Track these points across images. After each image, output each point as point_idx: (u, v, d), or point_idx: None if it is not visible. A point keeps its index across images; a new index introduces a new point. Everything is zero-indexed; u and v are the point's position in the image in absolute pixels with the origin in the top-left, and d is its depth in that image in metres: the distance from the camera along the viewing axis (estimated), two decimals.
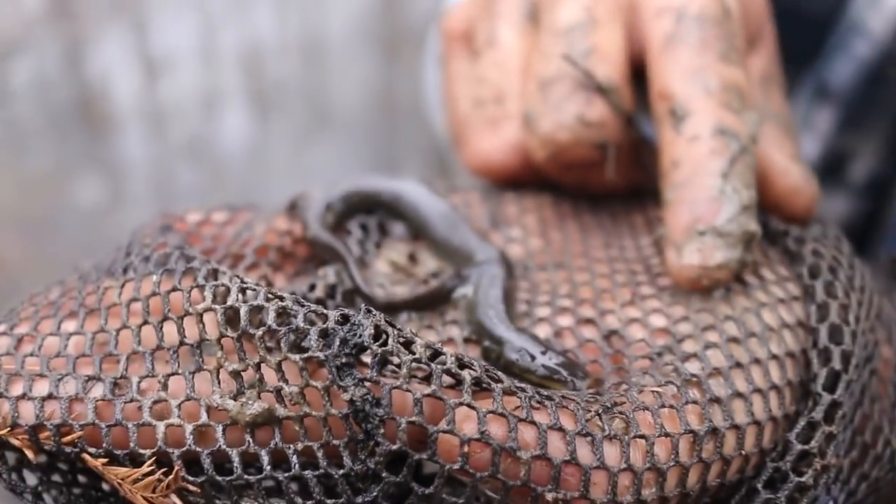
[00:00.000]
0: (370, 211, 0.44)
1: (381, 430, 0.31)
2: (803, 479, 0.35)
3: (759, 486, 0.35)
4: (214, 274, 0.34)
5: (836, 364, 0.35)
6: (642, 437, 0.32)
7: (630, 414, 0.33)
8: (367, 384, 0.31)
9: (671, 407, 0.33)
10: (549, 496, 0.31)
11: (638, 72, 0.50)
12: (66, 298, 0.37)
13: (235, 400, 0.33)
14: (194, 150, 3.50)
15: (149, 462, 0.33)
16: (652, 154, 0.49)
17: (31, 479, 0.35)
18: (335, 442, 0.32)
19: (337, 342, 0.32)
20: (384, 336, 0.32)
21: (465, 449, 0.31)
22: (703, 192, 0.41)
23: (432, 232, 0.42)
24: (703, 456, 0.33)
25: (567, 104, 0.45)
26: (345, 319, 0.32)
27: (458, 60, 0.55)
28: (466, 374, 0.32)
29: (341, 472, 0.32)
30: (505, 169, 0.50)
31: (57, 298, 0.37)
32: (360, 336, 0.32)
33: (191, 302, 0.34)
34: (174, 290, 0.35)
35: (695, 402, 0.34)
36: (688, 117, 0.43)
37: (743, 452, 0.35)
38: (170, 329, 0.34)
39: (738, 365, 0.35)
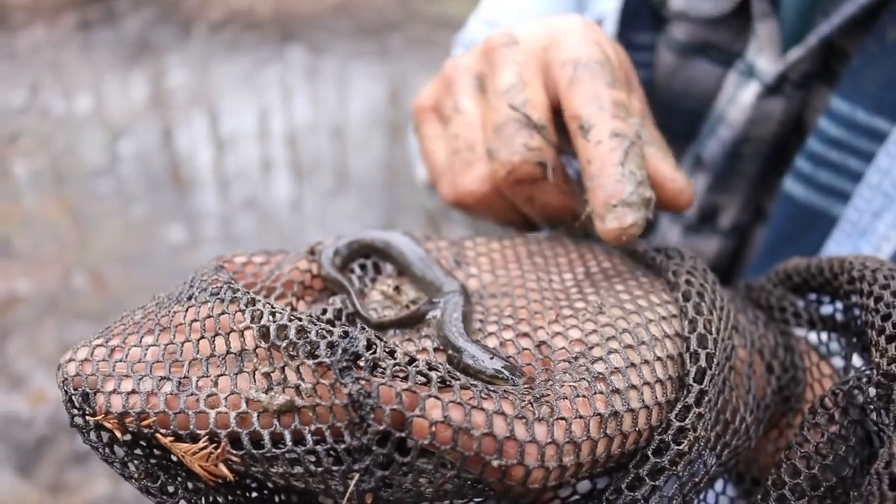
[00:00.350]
0: (367, 255, 0.44)
1: (372, 416, 0.31)
2: (681, 447, 0.35)
3: (650, 453, 0.35)
4: (252, 302, 0.34)
5: (703, 363, 0.35)
6: (563, 419, 0.32)
7: (553, 402, 0.33)
8: (362, 382, 0.31)
9: (584, 396, 0.33)
10: (495, 463, 0.31)
11: (557, 111, 0.52)
12: (146, 319, 0.37)
13: (266, 394, 0.32)
14: (251, 204, 3.49)
15: (204, 439, 0.33)
16: (575, 185, 0.51)
17: (120, 452, 0.35)
18: (338, 424, 0.32)
19: (339, 351, 0.32)
20: (374, 347, 0.32)
21: (433, 429, 0.31)
22: (610, 178, 0.43)
23: (412, 270, 0.42)
24: (607, 432, 0.33)
25: (515, 138, 0.46)
26: (345, 334, 0.32)
27: (431, 125, 0.55)
28: (434, 375, 0.32)
29: (343, 446, 0.32)
30: (480, 195, 0.50)
31: (139, 319, 0.37)
32: (357, 347, 0.32)
33: (235, 322, 0.34)
34: (223, 313, 0.35)
35: (601, 393, 0.34)
36: (591, 128, 0.44)
37: (637, 429, 0.35)
38: (220, 342, 0.34)
39: (633, 365, 0.35)
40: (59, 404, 2.54)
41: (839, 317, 0.40)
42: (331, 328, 0.33)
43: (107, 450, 0.35)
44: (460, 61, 0.53)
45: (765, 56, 0.55)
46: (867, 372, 0.35)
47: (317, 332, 0.32)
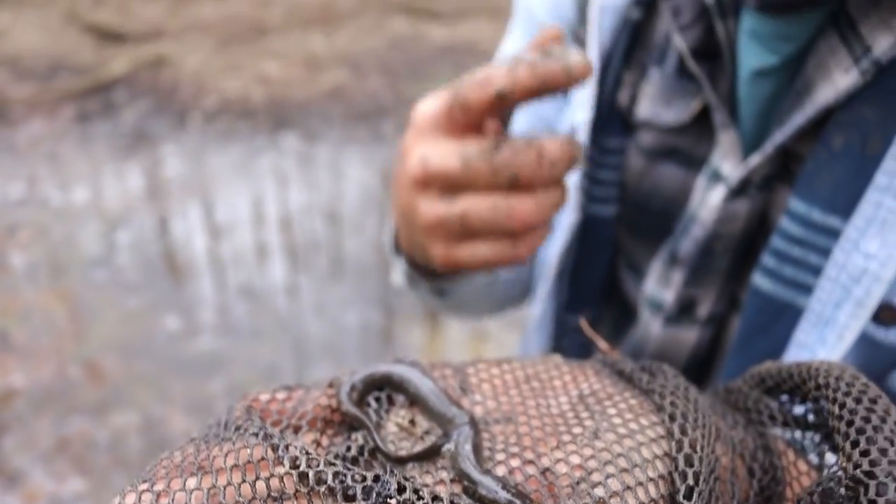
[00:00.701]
0: (381, 388, 0.47)
1: None
2: None
3: None
4: (287, 448, 0.37)
5: (690, 481, 0.38)
6: None
7: None
8: None
9: None
10: None
11: None
12: (186, 462, 0.39)
13: None
14: (247, 291, 3.51)
15: None
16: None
17: None
18: None
19: (374, 494, 0.35)
20: (404, 489, 0.35)
21: None
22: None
23: (424, 402, 0.45)
24: None
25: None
26: (377, 479, 0.35)
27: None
28: None
29: None
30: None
31: (179, 462, 0.39)
32: (388, 489, 0.35)
33: (273, 467, 0.37)
34: (262, 459, 0.37)
35: None
36: None
37: None
38: (260, 486, 0.36)
39: (629, 488, 0.37)
40: (54, 500, 2.51)
41: (811, 417, 0.42)
42: (364, 473, 0.36)
43: None
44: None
45: (728, 162, 0.59)
46: (838, 473, 0.37)
47: (352, 476, 0.35)
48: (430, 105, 0.61)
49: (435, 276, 0.69)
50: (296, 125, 5.66)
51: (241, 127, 5.58)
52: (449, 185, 0.55)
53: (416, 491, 0.35)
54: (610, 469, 0.37)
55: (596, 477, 0.37)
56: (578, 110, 0.67)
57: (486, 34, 9.49)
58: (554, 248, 0.73)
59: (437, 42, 9.04)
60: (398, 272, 0.74)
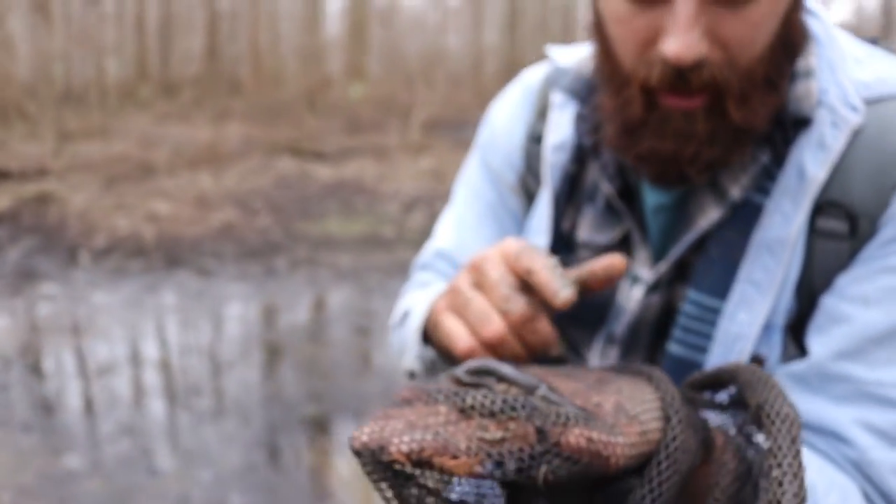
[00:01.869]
0: (486, 374, 0.57)
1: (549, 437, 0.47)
2: (669, 444, 0.53)
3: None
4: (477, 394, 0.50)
5: (674, 411, 0.54)
6: (622, 434, 0.50)
7: (620, 428, 0.51)
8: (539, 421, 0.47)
9: (630, 425, 0.51)
10: (605, 454, 0.48)
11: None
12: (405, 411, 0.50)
13: (489, 433, 0.46)
14: (128, 431, 3.48)
15: (463, 457, 0.46)
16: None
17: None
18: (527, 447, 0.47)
19: (527, 408, 0.48)
20: (544, 402, 0.49)
21: (578, 443, 0.47)
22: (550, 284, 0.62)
23: (512, 381, 0.55)
24: (641, 442, 0.51)
25: (518, 299, 0.64)
26: (524, 404, 0.48)
27: (446, 316, 0.70)
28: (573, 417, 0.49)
29: (529, 452, 0.46)
30: (498, 338, 0.66)
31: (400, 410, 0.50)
32: (533, 405, 0.48)
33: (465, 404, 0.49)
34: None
35: (638, 423, 0.52)
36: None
37: (649, 441, 0.53)
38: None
39: (646, 410, 0.53)
40: None
41: (726, 400, 0.59)
42: (515, 400, 0.49)
43: (394, 483, 0.48)
44: (458, 279, 0.71)
45: (644, 269, 0.81)
46: (748, 417, 0.56)
47: (504, 402, 0.49)
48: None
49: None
50: (188, 263, 5.73)
51: (131, 265, 5.60)
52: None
53: (553, 402, 0.49)
54: (632, 403, 0.54)
55: (626, 405, 0.53)
56: (537, 236, 0.88)
57: (370, 172, 9.94)
58: None
59: (323, 180, 9.37)
60: (413, 361, 0.86)
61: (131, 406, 3.57)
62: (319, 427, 3.37)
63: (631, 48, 0.70)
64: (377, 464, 0.48)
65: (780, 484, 0.52)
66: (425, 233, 6.95)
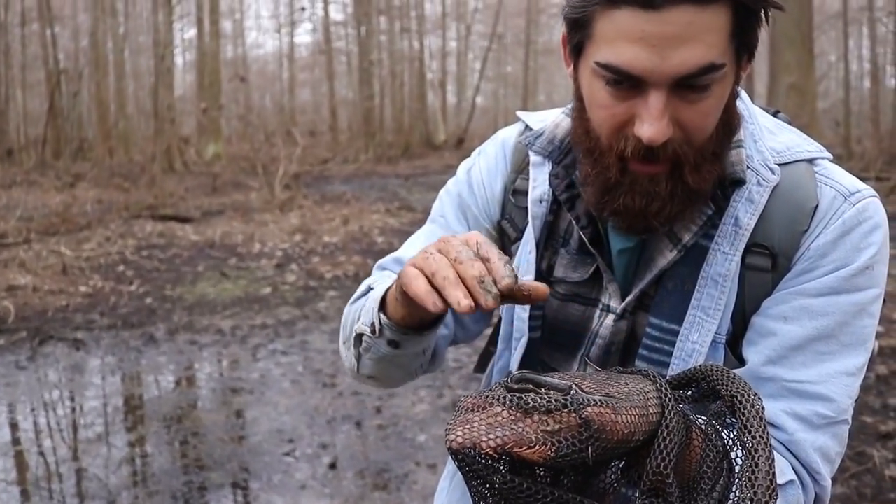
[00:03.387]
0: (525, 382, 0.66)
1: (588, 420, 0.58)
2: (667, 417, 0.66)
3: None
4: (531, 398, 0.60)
5: (668, 401, 0.66)
6: (628, 412, 0.62)
7: (627, 408, 0.62)
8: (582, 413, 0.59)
9: (635, 405, 0.64)
10: (619, 427, 0.60)
11: None
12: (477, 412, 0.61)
13: (544, 428, 0.58)
14: None
15: (534, 448, 0.58)
16: None
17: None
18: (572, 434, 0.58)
19: (571, 403, 0.59)
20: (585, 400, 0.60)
21: (602, 418, 0.59)
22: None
23: (547, 385, 0.64)
24: (642, 422, 0.63)
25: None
26: (565, 403, 0.60)
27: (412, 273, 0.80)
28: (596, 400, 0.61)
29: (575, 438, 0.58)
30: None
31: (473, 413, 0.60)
32: (577, 399, 0.59)
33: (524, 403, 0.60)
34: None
35: (639, 407, 0.63)
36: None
37: (649, 421, 0.64)
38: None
39: (649, 399, 0.64)
40: None
41: (693, 395, 0.74)
42: (563, 400, 0.60)
43: (484, 473, 0.58)
44: (427, 246, 0.81)
45: (613, 301, 0.98)
46: (722, 408, 0.70)
47: (556, 401, 0.60)
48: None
49: (402, 331, 0.93)
50: (59, 336, 5.51)
51: None
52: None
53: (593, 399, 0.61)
54: (637, 391, 0.66)
55: (633, 393, 0.65)
56: (525, 276, 1.02)
57: (238, 232, 9.84)
58: (515, 355, 1.05)
59: (189, 243, 9.19)
60: (366, 325, 0.96)
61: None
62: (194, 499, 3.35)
63: (609, 126, 0.87)
64: (470, 458, 0.59)
65: (755, 451, 0.67)
66: (303, 290, 7.01)
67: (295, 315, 6.05)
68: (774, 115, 1.06)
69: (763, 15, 0.84)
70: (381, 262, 1.17)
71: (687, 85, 0.82)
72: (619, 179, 0.89)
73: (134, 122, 27.30)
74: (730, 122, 0.91)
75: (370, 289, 1.03)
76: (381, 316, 0.93)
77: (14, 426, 4.05)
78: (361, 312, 0.99)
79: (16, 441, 3.87)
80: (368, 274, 1.17)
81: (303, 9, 31.13)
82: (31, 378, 4.71)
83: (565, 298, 1.03)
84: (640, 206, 0.88)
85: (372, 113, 25.10)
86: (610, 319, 0.99)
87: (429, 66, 30.89)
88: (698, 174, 0.87)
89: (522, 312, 1.04)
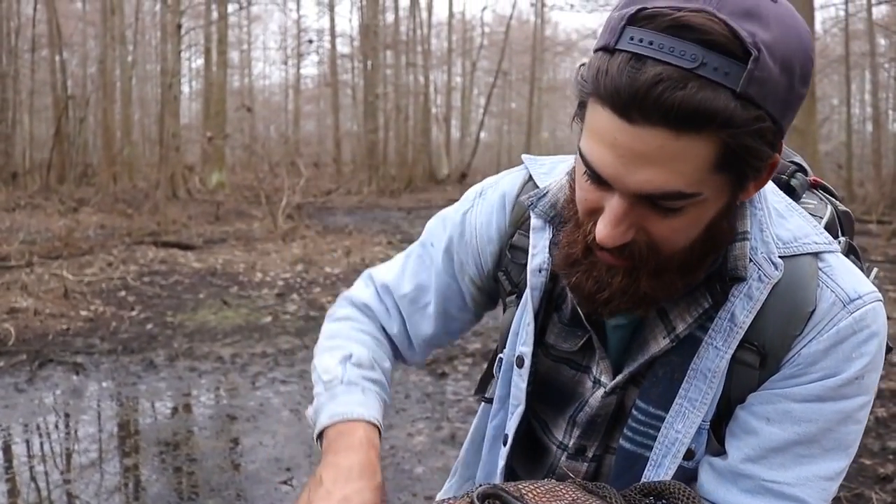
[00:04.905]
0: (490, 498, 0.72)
1: None
2: None
3: None
4: None
5: None
6: None
7: None
8: None
9: None
10: None
11: None
12: None
13: None
14: None
15: None
16: None
17: None
18: None
19: None
20: None
21: None
22: None
23: None
24: None
25: None
26: None
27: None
28: None
29: None
30: None
31: None
32: None
33: None
34: None
35: None
36: None
37: None
38: None
39: None
40: None
41: None
42: None
43: None
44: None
45: (605, 376, 0.99)
46: None
47: None
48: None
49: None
50: (59, 360, 5.53)
51: None
52: None
53: None
54: None
55: None
56: (523, 347, 1.04)
57: (239, 261, 9.88)
58: (512, 421, 1.06)
59: (191, 270, 9.23)
60: (312, 421, 1.06)
61: None
62: None
63: (583, 209, 0.87)
64: None
65: None
66: (303, 320, 7.03)
67: (295, 344, 6.07)
68: (791, 175, 1.04)
69: (759, 157, 0.77)
70: (367, 273, 1.21)
71: (653, 201, 0.79)
72: (580, 258, 0.88)
73: (139, 148, 27.52)
74: (714, 239, 0.86)
75: (320, 398, 1.06)
76: (318, 443, 1.02)
77: (9, 448, 4.06)
78: (314, 416, 1.05)
79: (18, 461, 3.87)
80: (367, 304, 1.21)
81: (310, 41, 31.51)
82: (29, 400, 4.72)
83: (557, 360, 1.04)
84: (591, 289, 0.88)
85: (376, 146, 25.30)
86: (600, 393, 1.00)
87: (433, 100, 31.18)
88: (655, 281, 0.85)
89: (521, 382, 1.05)
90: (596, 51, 0.78)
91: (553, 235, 1.00)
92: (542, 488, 0.78)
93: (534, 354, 1.04)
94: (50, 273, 8.28)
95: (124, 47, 22.50)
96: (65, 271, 8.28)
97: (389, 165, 26.18)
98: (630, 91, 0.72)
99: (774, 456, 0.90)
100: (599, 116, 0.77)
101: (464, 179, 25.65)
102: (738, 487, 0.91)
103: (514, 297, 1.07)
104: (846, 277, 0.90)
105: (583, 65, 0.81)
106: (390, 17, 28.32)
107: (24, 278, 7.85)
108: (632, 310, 0.89)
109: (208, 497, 3.49)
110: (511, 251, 1.07)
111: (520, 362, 1.04)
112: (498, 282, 1.11)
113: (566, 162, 1.06)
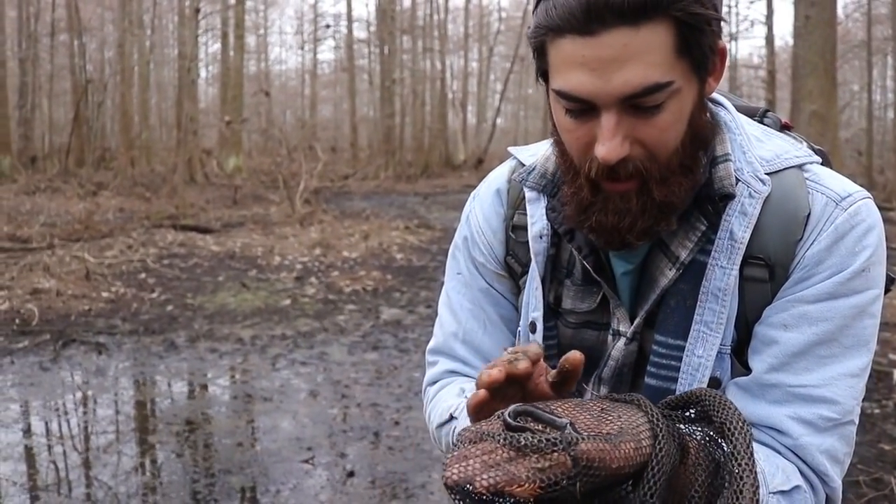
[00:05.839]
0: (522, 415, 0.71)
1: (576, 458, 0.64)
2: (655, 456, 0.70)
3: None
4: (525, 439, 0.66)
5: (660, 438, 0.71)
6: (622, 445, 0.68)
7: (621, 443, 0.68)
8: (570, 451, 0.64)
9: (629, 441, 0.69)
10: (614, 465, 0.67)
11: None
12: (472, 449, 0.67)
13: (536, 464, 0.64)
14: None
15: (524, 484, 0.63)
16: None
17: None
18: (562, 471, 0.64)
19: (558, 443, 0.65)
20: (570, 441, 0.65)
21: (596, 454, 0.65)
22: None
23: (544, 421, 0.71)
24: (637, 454, 0.69)
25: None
26: (555, 441, 0.66)
27: None
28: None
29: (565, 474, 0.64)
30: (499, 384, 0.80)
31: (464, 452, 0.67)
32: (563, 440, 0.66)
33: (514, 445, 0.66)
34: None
35: (632, 441, 0.69)
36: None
37: (643, 453, 0.69)
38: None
39: (641, 433, 0.70)
40: None
41: (694, 415, 0.78)
42: (552, 438, 0.66)
43: None
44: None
45: (623, 325, 1.01)
46: (711, 433, 0.75)
47: (547, 440, 0.66)
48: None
49: None
50: (81, 339, 5.60)
51: (16, 345, 5.42)
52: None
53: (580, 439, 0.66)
54: (630, 426, 0.71)
55: (626, 427, 0.71)
56: (534, 313, 1.06)
57: (258, 244, 9.94)
58: None
59: (210, 253, 9.30)
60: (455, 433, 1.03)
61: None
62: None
63: (576, 150, 0.90)
64: (465, 493, 0.65)
65: (741, 477, 0.73)
66: (322, 303, 7.08)
67: (314, 327, 6.12)
68: (763, 115, 1.08)
69: (709, 27, 0.84)
70: (436, 344, 1.20)
71: (636, 104, 0.84)
72: (592, 198, 0.91)
73: (157, 132, 27.61)
74: (698, 134, 0.91)
75: (452, 418, 1.07)
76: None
77: (44, 424, 4.13)
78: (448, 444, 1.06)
79: (48, 437, 3.94)
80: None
81: (328, 26, 31.49)
82: (53, 379, 4.79)
83: (578, 326, 1.06)
84: (613, 223, 0.91)
85: (393, 131, 25.29)
86: (622, 342, 1.02)
87: (450, 86, 31.10)
88: (666, 187, 0.89)
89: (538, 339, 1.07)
90: (536, 4, 0.87)
91: (548, 202, 1.04)
92: (570, 402, 0.80)
93: (553, 327, 1.05)
94: (71, 255, 8.36)
95: (142, 31, 22.56)
96: (86, 253, 8.36)
97: (406, 151, 26.16)
98: (582, 7, 0.80)
99: (797, 361, 0.92)
100: (563, 47, 0.84)
101: (480, 165, 25.58)
102: (767, 399, 0.92)
103: (525, 277, 1.09)
104: (833, 181, 0.94)
105: (529, 27, 0.89)
106: (407, 2, 28.26)
107: (46, 260, 7.93)
108: (656, 226, 0.92)
109: (230, 475, 3.54)
110: (514, 232, 1.10)
111: (532, 328, 1.06)
112: (510, 269, 1.13)
113: (547, 142, 1.09)
